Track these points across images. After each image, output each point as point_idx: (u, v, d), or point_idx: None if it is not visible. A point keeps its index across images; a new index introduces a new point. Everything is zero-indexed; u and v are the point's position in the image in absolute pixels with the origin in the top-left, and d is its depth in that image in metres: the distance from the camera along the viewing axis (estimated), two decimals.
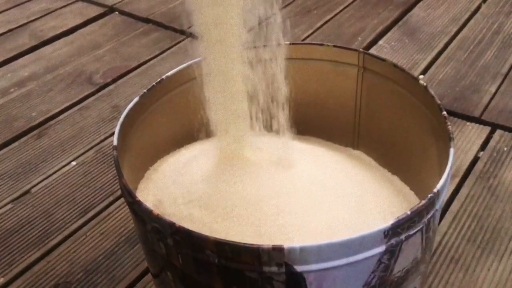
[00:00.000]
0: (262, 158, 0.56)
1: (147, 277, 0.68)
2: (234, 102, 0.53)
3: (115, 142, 0.51)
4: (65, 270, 0.70)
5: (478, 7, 1.20)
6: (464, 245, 0.70)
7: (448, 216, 0.73)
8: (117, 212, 0.77)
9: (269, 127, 0.57)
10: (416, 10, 1.21)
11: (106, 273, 0.69)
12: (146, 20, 1.24)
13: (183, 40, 1.16)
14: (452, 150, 0.47)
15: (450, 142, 0.48)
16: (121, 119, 0.53)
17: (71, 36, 1.21)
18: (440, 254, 0.68)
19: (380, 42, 1.11)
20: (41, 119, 0.96)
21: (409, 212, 0.41)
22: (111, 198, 0.80)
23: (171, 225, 0.42)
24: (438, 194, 0.44)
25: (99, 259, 0.71)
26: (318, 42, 0.65)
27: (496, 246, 0.69)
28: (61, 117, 0.97)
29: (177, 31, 1.19)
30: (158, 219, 0.43)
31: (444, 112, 0.51)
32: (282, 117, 0.55)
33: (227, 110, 0.54)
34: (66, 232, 0.75)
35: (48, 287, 0.68)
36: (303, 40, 1.12)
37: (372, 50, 1.08)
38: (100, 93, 1.02)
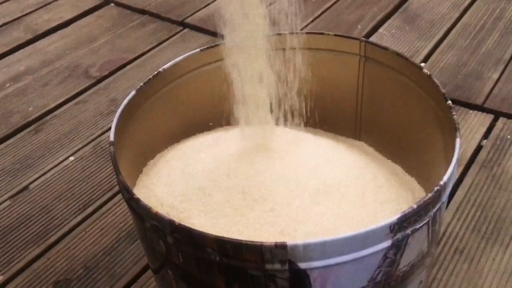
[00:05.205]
0: (268, 148, 0.55)
1: (148, 273, 0.67)
2: (256, 93, 0.53)
3: (111, 138, 0.50)
4: (65, 267, 0.69)
5: None
6: (468, 235, 0.69)
7: (452, 206, 0.72)
8: (117, 207, 0.76)
9: (284, 118, 0.57)
10: None
11: (107, 269, 0.68)
12: (142, 12, 1.22)
13: (180, 31, 1.14)
14: (458, 141, 0.46)
15: (456, 133, 0.47)
16: (117, 114, 0.52)
17: (66, 29, 1.19)
18: (444, 244, 0.68)
19: (381, 29, 1.09)
20: (37, 114, 0.95)
21: (415, 206, 0.40)
22: (110, 193, 0.79)
23: (171, 223, 0.41)
24: (444, 186, 0.43)
25: (99, 255, 0.70)
26: (318, 31, 0.64)
27: (501, 236, 0.68)
28: (58, 111, 0.96)
29: (174, 22, 1.17)
30: (157, 217, 0.42)
31: (449, 102, 0.50)
32: (298, 107, 0.55)
33: (249, 101, 0.53)
34: (65, 229, 0.74)
35: (48, 284, 0.67)
36: (302, 29, 1.11)
37: (373, 38, 1.06)
38: (97, 87, 1.01)
